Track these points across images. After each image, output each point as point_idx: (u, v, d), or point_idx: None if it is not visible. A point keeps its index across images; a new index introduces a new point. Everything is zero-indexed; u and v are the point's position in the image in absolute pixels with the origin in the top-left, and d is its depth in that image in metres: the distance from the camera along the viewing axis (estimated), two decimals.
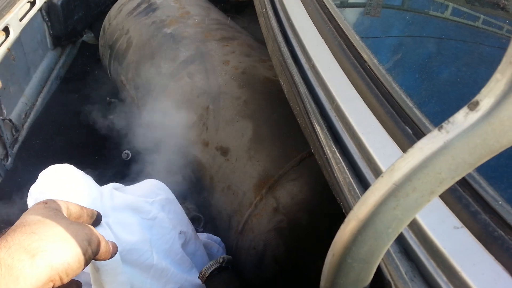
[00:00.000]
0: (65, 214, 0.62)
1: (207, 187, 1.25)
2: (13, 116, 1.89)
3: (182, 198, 1.30)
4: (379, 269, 0.49)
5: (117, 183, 0.88)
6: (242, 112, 1.25)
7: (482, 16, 0.93)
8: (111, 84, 2.07)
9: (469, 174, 0.52)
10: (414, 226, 0.51)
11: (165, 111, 1.47)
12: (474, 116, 0.33)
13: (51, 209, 0.60)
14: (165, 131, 1.46)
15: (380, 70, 0.75)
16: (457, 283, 0.45)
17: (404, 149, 0.62)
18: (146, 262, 0.79)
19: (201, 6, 1.89)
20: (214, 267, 0.94)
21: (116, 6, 2.06)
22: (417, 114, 0.64)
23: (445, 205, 0.52)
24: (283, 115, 1.18)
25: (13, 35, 1.86)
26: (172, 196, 0.99)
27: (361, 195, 0.60)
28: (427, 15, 1.07)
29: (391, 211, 0.39)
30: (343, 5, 1.19)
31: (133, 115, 1.82)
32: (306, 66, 0.90)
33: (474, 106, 0.33)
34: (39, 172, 0.79)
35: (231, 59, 1.45)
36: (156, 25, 1.73)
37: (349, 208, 0.61)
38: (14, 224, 0.57)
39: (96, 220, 0.71)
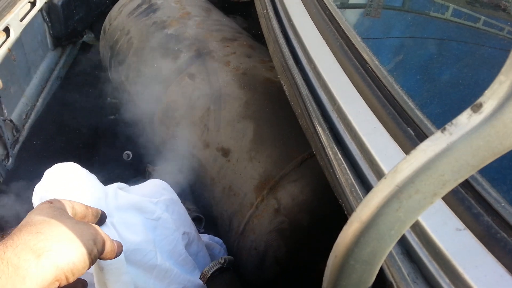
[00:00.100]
0: (70, 214, 0.62)
1: (208, 187, 1.25)
2: (14, 116, 1.89)
3: (182, 198, 1.30)
4: (381, 270, 0.49)
5: (121, 183, 0.88)
6: (243, 113, 1.25)
7: (483, 17, 0.93)
8: (111, 84, 2.07)
9: (472, 176, 0.52)
10: (417, 228, 0.51)
11: (166, 111, 1.47)
12: (478, 118, 0.33)
13: (56, 208, 0.60)
14: (166, 131, 1.46)
15: (381, 71, 0.75)
16: (460, 285, 0.45)
17: (406, 150, 0.62)
18: (149, 263, 0.79)
19: (201, 6, 1.89)
20: (215, 268, 0.94)
21: (116, 7, 2.06)
22: (419, 116, 0.64)
23: (448, 207, 0.52)
24: (284, 116, 1.18)
25: (13, 35, 1.86)
26: (175, 196, 0.99)
27: (363, 197, 0.60)
28: (427, 16, 1.07)
29: (394, 213, 0.39)
30: (344, 6, 1.19)
31: (134, 116, 1.82)
32: (307, 67, 0.90)
33: (477, 108, 0.33)
34: (40, 173, 0.79)
35: (232, 60, 1.45)
36: (156, 25, 1.73)
37: (351, 210, 0.61)
38: (20, 224, 0.57)
39: (101, 219, 0.71)
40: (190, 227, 0.99)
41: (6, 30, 1.82)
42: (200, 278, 0.93)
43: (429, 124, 0.62)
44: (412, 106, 0.66)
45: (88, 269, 0.59)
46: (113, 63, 1.89)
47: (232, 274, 0.97)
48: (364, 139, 0.66)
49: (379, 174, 0.61)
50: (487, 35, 0.91)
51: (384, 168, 0.60)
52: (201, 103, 1.36)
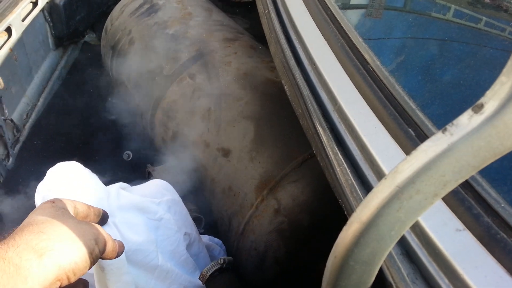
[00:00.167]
0: (72, 213, 0.62)
1: (208, 188, 1.25)
2: (15, 116, 1.90)
3: (182, 199, 1.30)
4: (381, 271, 0.49)
5: (123, 183, 0.88)
6: (243, 113, 1.25)
7: (485, 18, 0.93)
8: (112, 84, 2.08)
9: (472, 176, 0.52)
10: (416, 228, 0.51)
11: (167, 111, 1.47)
12: (479, 118, 0.32)
13: (58, 208, 0.61)
14: (166, 131, 1.46)
15: (382, 71, 0.75)
16: (459, 285, 0.45)
17: (406, 151, 0.62)
18: (151, 263, 0.79)
19: (203, 7, 1.89)
20: (215, 268, 0.94)
21: (118, 7, 2.06)
22: (420, 116, 0.64)
23: (448, 207, 0.52)
24: (285, 116, 1.18)
25: (15, 35, 1.86)
26: (177, 197, 0.99)
27: (363, 197, 0.60)
28: (429, 16, 1.07)
29: (394, 213, 0.39)
30: (345, 6, 1.19)
31: (135, 116, 1.82)
32: (308, 67, 0.90)
33: (478, 108, 0.33)
34: (41, 172, 0.79)
35: (233, 60, 1.45)
36: (158, 25, 1.73)
37: (351, 210, 0.61)
38: (22, 224, 0.57)
39: (103, 219, 0.71)
40: (192, 228, 0.99)
41: (8, 30, 1.82)
42: (199, 278, 0.93)
43: (430, 125, 0.62)
44: (413, 106, 0.66)
45: (90, 268, 0.59)
46: (115, 63, 1.90)
47: (232, 275, 0.97)
48: (365, 139, 0.66)
49: (380, 175, 0.61)
50: (489, 35, 0.91)
51: (385, 168, 0.60)
52: (201, 103, 1.36)
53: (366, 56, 0.80)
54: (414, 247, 0.51)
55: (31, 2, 2.01)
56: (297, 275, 1.06)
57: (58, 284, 0.54)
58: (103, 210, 0.71)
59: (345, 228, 0.43)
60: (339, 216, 0.66)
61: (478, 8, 1.02)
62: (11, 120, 1.82)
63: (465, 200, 0.51)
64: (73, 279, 0.56)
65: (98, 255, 0.60)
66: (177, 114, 1.42)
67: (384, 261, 0.48)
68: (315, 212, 1.02)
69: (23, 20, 1.93)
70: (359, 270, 0.45)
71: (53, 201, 0.62)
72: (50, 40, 2.30)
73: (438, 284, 0.47)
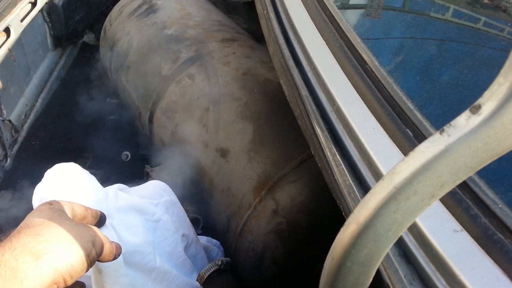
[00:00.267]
0: (69, 215, 0.62)
1: (207, 188, 1.25)
2: (13, 116, 1.89)
3: (181, 199, 1.30)
4: (378, 272, 0.49)
5: (121, 184, 0.88)
6: (242, 114, 1.24)
7: (483, 18, 0.93)
8: (111, 85, 2.07)
9: (469, 177, 0.52)
10: (414, 229, 0.51)
11: (165, 112, 1.47)
12: (476, 119, 0.32)
13: (56, 210, 0.60)
14: (165, 132, 1.46)
15: (381, 72, 0.75)
16: (456, 286, 0.45)
17: (404, 151, 0.62)
18: (148, 265, 0.79)
19: (202, 7, 1.89)
20: (212, 270, 0.93)
21: (117, 7, 2.06)
22: (418, 117, 0.64)
23: (445, 208, 0.52)
24: (283, 116, 1.18)
25: (14, 35, 1.86)
26: (175, 198, 0.99)
27: (361, 198, 0.60)
28: (428, 16, 1.07)
29: (392, 214, 0.39)
30: (344, 6, 1.19)
31: (133, 116, 1.82)
32: (307, 68, 0.90)
33: (476, 109, 0.33)
34: (39, 173, 0.78)
35: (232, 60, 1.45)
36: (157, 26, 1.73)
37: (349, 211, 0.60)
38: (19, 226, 0.57)
39: (101, 221, 0.71)
40: (189, 229, 0.99)
41: (7, 31, 1.82)
42: (197, 280, 0.93)
43: (428, 125, 0.62)
44: (411, 107, 0.66)
45: (87, 271, 0.58)
46: (113, 64, 1.89)
47: (230, 276, 0.97)
48: (363, 140, 0.66)
49: (377, 175, 0.61)
50: (487, 35, 0.91)
51: (383, 169, 0.60)
52: (200, 103, 1.35)
53: (364, 56, 0.80)
54: (411, 248, 0.50)
55: (29, 2, 2.01)
56: (295, 275, 1.06)
57: (55, 287, 0.54)
58: (100, 212, 0.71)
59: (342, 229, 0.43)
60: (337, 216, 0.66)
61: (477, 8, 1.02)
62: (9, 121, 1.82)
63: (463, 201, 0.51)
64: (70, 282, 0.55)
65: (95, 257, 0.60)
66: (175, 114, 1.42)
67: (382, 262, 0.47)
68: (313, 212, 1.01)
69: (21, 20, 1.93)
70: (357, 271, 0.44)
71: (50, 203, 0.62)
72: (49, 41, 2.30)
73: (435, 285, 0.47)
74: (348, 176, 0.65)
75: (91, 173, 0.83)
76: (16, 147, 1.88)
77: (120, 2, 2.08)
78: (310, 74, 0.88)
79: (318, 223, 1.01)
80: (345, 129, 0.72)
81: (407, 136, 0.63)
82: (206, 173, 1.25)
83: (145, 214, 0.85)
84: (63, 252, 0.55)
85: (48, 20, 2.23)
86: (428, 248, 0.48)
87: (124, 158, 1.85)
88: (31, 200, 0.77)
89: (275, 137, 1.16)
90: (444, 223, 0.50)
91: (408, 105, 0.66)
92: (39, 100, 2.15)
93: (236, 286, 0.97)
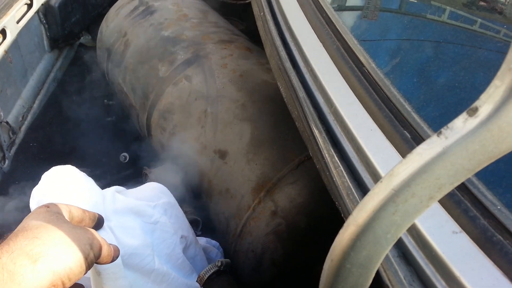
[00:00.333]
0: (67, 218, 0.62)
1: (205, 190, 1.25)
2: (10, 118, 1.89)
3: (179, 201, 1.30)
4: (377, 273, 0.49)
5: (119, 187, 0.88)
6: (240, 115, 1.25)
7: (480, 20, 0.94)
8: (108, 86, 2.07)
9: (468, 179, 0.52)
10: (413, 231, 0.51)
11: (163, 113, 1.47)
12: (473, 122, 0.33)
13: (53, 213, 0.60)
14: (163, 133, 1.46)
15: (378, 74, 0.75)
16: (456, 287, 0.45)
17: (402, 153, 0.62)
18: (147, 267, 0.79)
19: (198, 9, 1.89)
20: (212, 271, 0.93)
21: (113, 9, 2.05)
22: (416, 118, 0.64)
23: (444, 210, 0.52)
24: (281, 118, 1.18)
25: (10, 37, 1.85)
26: (173, 200, 0.99)
27: (359, 200, 0.60)
28: (424, 18, 1.08)
29: (390, 216, 0.39)
30: (340, 8, 1.19)
31: (131, 118, 1.82)
32: (304, 69, 0.91)
33: (473, 112, 0.33)
34: (37, 175, 0.78)
35: (229, 62, 1.45)
36: (154, 27, 1.72)
37: (348, 212, 0.61)
38: (16, 229, 0.57)
39: (98, 223, 0.71)
40: (188, 231, 0.99)
41: (3, 32, 1.81)
42: (196, 281, 0.93)
43: (425, 127, 0.62)
44: (409, 109, 0.66)
45: (85, 273, 0.58)
46: (110, 65, 1.89)
47: (229, 277, 0.97)
48: (361, 141, 0.66)
49: (376, 177, 0.61)
50: (484, 37, 0.91)
51: (381, 170, 0.60)
52: (198, 105, 1.35)
53: (361, 58, 0.81)
54: (410, 249, 0.51)
55: (25, 4, 2.00)
56: (294, 277, 1.06)
57: None
58: (98, 214, 0.71)
59: (341, 231, 0.43)
60: (336, 217, 0.66)
61: (473, 10, 1.02)
62: (7, 122, 1.81)
63: (461, 203, 0.51)
64: (68, 285, 0.55)
65: (93, 260, 0.60)
66: (173, 116, 1.42)
67: (381, 263, 0.48)
68: (312, 213, 1.02)
69: (17, 22, 1.93)
70: (356, 273, 0.45)
71: (47, 206, 0.61)
72: (45, 42, 2.29)
73: (435, 287, 0.47)
74: (346, 177, 0.65)
75: (89, 175, 0.83)
76: (13, 149, 1.88)
77: (116, 3, 2.07)
78: (307, 76, 0.88)
79: (317, 224, 1.01)
80: (342, 130, 0.72)
81: (405, 137, 0.63)
82: (204, 175, 1.25)
83: (143, 216, 0.85)
84: (60, 254, 0.55)
85: (44, 21, 2.22)
86: (428, 250, 0.49)
87: (122, 159, 1.85)
88: (29, 202, 0.76)
89: (273, 138, 1.16)
90: (443, 225, 0.50)
91: (406, 107, 0.67)
92: (36, 102, 2.14)
93: (236, 287, 0.97)
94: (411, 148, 0.60)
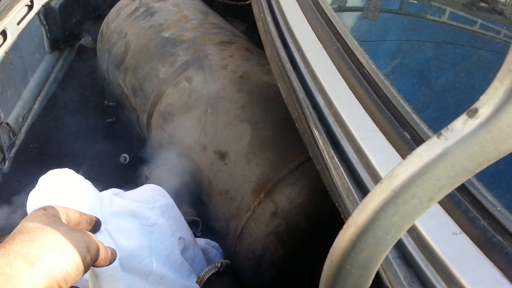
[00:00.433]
0: (64, 221, 0.62)
1: (205, 191, 1.25)
2: (11, 119, 1.89)
3: (180, 202, 1.30)
4: (377, 275, 0.49)
5: (116, 189, 0.88)
6: (240, 116, 1.25)
7: (480, 21, 0.94)
8: (108, 87, 2.07)
9: (468, 180, 0.52)
10: (413, 232, 0.51)
11: (163, 114, 1.47)
12: (473, 123, 0.33)
13: (50, 215, 0.60)
14: (163, 134, 1.46)
15: (378, 75, 0.75)
16: None
17: (402, 154, 0.62)
18: (145, 269, 0.79)
19: (199, 10, 1.89)
20: (212, 272, 0.93)
21: (114, 10, 2.06)
22: (416, 119, 0.64)
23: (444, 211, 0.52)
24: (281, 119, 1.18)
25: (10, 38, 1.85)
26: (171, 201, 0.99)
27: (359, 201, 0.60)
28: (424, 19, 1.08)
29: (390, 217, 0.39)
30: (340, 9, 1.19)
31: (131, 119, 1.82)
32: (304, 71, 0.91)
33: (473, 113, 0.33)
34: (37, 176, 0.78)
35: (229, 63, 1.45)
36: (154, 29, 1.73)
37: (348, 213, 0.61)
38: (13, 231, 0.57)
39: (95, 226, 0.70)
40: (186, 232, 0.98)
41: (3, 34, 1.82)
42: (196, 282, 0.93)
43: (425, 128, 0.62)
44: (409, 110, 0.66)
45: (82, 276, 0.58)
46: (111, 66, 1.89)
47: (229, 278, 0.97)
48: (361, 142, 0.66)
49: (376, 178, 0.61)
50: (484, 38, 0.91)
51: (381, 171, 0.60)
52: (198, 106, 1.36)
53: (361, 59, 0.81)
54: (410, 250, 0.51)
55: (26, 5, 2.01)
56: (295, 278, 1.06)
57: None
58: (95, 217, 0.71)
59: (341, 232, 0.43)
60: (336, 218, 0.66)
61: (473, 10, 1.02)
62: (7, 124, 1.81)
63: (461, 204, 0.51)
64: None
65: (90, 263, 0.59)
66: (173, 117, 1.42)
67: (381, 265, 0.48)
68: (312, 214, 1.02)
69: (18, 23, 1.93)
70: (356, 274, 0.45)
71: (44, 209, 0.61)
72: (46, 43, 2.30)
73: None
74: (346, 178, 0.65)
75: (89, 176, 0.83)
76: (14, 150, 1.88)
77: (117, 4, 2.08)
78: (307, 77, 0.88)
79: (317, 225, 1.01)
80: (343, 131, 0.72)
81: (405, 138, 0.63)
82: (204, 176, 1.25)
83: (140, 219, 0.85)
84: (57, 257, 0.54)
85: (45, 23, 2.23)
86: (428, 251, 0.49)
87: (123, 160, 1.85)
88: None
89: (273, 139, 1.16)
90: (443, 226, 0.50)
91: (406, 108, 0.67)
92: (37, 103, 2.14)
93: None
94: (411, 149, 0.60)
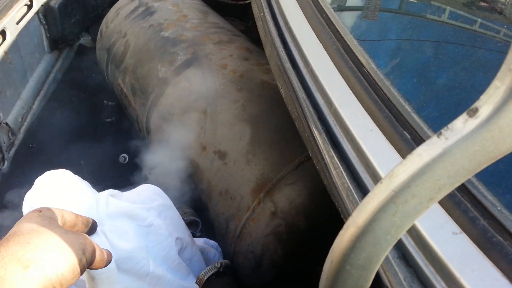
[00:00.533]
0: (59, 223, 0.61)
1: (205, 191, 1.25)
2: (10, 119, 1.89)
3: (179, 202, 1.30)
4: (377, 275, 0.49)
5: (113, 190, 0.87)
6: (240, 116, 1.24)
7: (480, 20, 0.94)
8: (108, 87, 2.07)
9: (468, 180, 0.52)
10: (413, 232, 0.51)
11: (162, 114, 1.47)
12: (473, 123, 0.32)
13: (45, 217, 0.59)
14: (162, 134, 1.46)
15: (378, 74, 0.75)
16: None
17: (402, 154, 0.62)
18: (142, 270, 0.78)
19: (198, 9, 1.89)
20: (211, 272, 0.93)
21: (113, 9, 2.05)
22: (415, 119, 0.64)
23: (444, 211, 0.52)
24: (281, 119, 1.18)
25: (10, 38, 1.85)
26: (169, 201, 0.98)
27: (359, 201, 0.60)
28: (424, 18, 1.07)
29: (390, 217, 0.39)
30: (340, 8, 1.19)
31: (131, 119, 1.82)
32: (304, 70, 0.90)
33: (473, 113, 0.33)
34: (36, 176, 0.78)
35: (229, 63, 1.45)
36: (153, 28, 1.72)
37: (348, 213, 0.61)
38: (8, 233, 0.56)
39: (92, 228, 0.70)
40: (184, 232, 0.98)
41: (2, 33, 1.81)
42: (196, 282, 0.93)
43: (425, 128, 0.62)
44: (409, 109, 0.66)
45: (77, 279, 0.58)
46: (110, 66, 1.89)
47: (229, 278, 0.97)
48: (361, 142, 0.66)
49: (376, 178, 0.61)
50: (484, 37, 0.91)
51: (380, 171, 0.60)
52: (197, 105, 1.35)
53: (361, 58, 0.80)
54: (410, 250, 0.50)
55: (25, 4, 2.00)
56: (294, 278, 1.06)
57: None
58: (91, 219, 0.70)
59: (341, 232, 0.43)
60: (335, 218, 0.66)
61: (473, 10, 1.02)
62: (6, 124, 1.81)
63: (461, 203, 0.51)
64: None
65: (85, 265, 0.59)
66: (173, 116, 1.42)
67: (381, 265, 0.47)
68: (312, 214, 1.01)
69: (17, 23, 1.92)
70: (356, 274, 0.44)
71: (40, 210, 0.61)
72: (45, 43, 2.29)
73: None
74: (346, 178, 0.65)
75: (88, 176, 0.83)
76: (13, 150, 1.88)
77: (116, 4, 2.07)
78: (307, 77, 0.88)
79: (317, 225, 1.01)
80: (342, 131, 0.72)
81: (405, 138, 0.63)
82: (204, 176, 1.25)
83: (136, 220, 0.84)
84: (52, 260, 0.54)
85: (44, 22, 2.22)
86: (428, 251, 0.49)
87: (122, 160, 1.85)
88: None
89: (272, 139, 1.16)
90: (443, 226, 0.50)
91: (405, 107, 0.66)
92: (36, 103, 2.14)
93: None
94: (411, 148, 0.60)
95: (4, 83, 1.83)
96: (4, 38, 1.83)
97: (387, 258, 0.51)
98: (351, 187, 0.63)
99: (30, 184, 0.77)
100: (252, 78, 1.37)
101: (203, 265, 1.02)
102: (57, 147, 1.95)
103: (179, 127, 1.38)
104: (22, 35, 1.97)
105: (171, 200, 1.00)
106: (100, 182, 1.60)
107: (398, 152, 0.63)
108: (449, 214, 0.52)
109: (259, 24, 1.23)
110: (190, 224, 1.22)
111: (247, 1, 2.41)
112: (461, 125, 0.33)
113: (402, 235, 0.42)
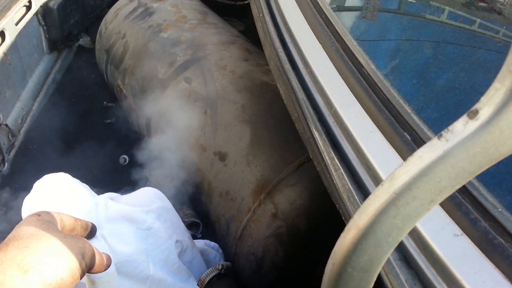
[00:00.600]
0: (58, 227, 0.61)
1: (205, 192, 1.25)
2: (9, 121, 1.89)
3: (180, 203, 1.29)
4: (379, 277, 0.49)
5: (113, 193, 0.87)
6: (240, 117, 1.24)
7: (479, 20, 0.94)
8: (107, 88, 2.07)
9: (469, 181, 0.52)
10: (414, 234, 0.51)
11: (162, 116, 1.47)
12: (474, 125, 0.32)
13: (44, 221, 0.59)
14: (162, 136, 1.45)
15: (378, 75, 0.75)
16: None
17: (402, 155, 0.62)
18: (142, 273, 0.78)
19: (197, 10, 1.89)
20: (213, 274, 0.93)
21: (112, 10, 2.05)
22: (416, 120, 0.64)
23: (445, 213, 0.52)
24: (281, 120, 1.18)
25: (8, 39, 1.85)
26: (168, 204, 0.98)
27: (360, 202, 0.60)
28: (423, 18, 1.07)
29: (391, 220, 0.39)
30: (339, 8, 1.19)
31: (130, 120, 1.82)
32: (303, 71, 0.90)
33: (473, 114, 0.33)
34: (36, 178, 0.78)
35: (228, 63, 1.45)
36: (152, 29, 1.72)
37: (348, 215, 0.61)
38: (7, 238, 0.56)
39: (91, 232, 0.70)
40: (183, 235, 0.97)
41: (1, 34, 1.81)
42: (197, 284, 0.92)
43: (425, 129, 0.62)
44: (409, 110, 0.66)
45: (77, 283, 0.58)
46: (109, 67, 1.89)
47: (230, 280, 0.97)
48: (361, 143, 0.66)
49: (376, 179, 0.61)
50: (483, 37, 0.91)
51: (381, 173, 0.60)
52: (197, 106, 1.35)
53: (360, 59, 0.80)
54: (412, 252, 0.50)
55: (24, 6, 2.00)
56: (295, 279, 1.06)
57: None
58: (91, 223, 0.70)
59: (342, 234, 0.43)
60: (336, 220, 0.66)
61: (472, 10, 1.02)
62: (6, 125, 1.81)
63: (462, 205, 0.51)
64: None
65: (85, 269, 0.59)
66: (173, 117, 1.42)
67: (383, 267, 0.47)
68: (312, 216, 1.01)
69: (16, 24, 1.92)
70: (357, 276, 0.44)
71: (39, 214, 0.60)
72: (44, 44, 2.29)
73: None
74: (347, 180, 0.65)
75: (88, 177, 0.82)
76: (13, 151, 1.88)
77: (115, 5, 2.07)
78: (306, 78, 0.88)
79: (318, 226, 1.01)
80: (342, 132, 0.72)
81: (405, 139, 0.63)
82: (204, 177, 1.25)
83: (136, 223, 0.84)
84: (52, 264, 0.54)
85: (43, 23, 2.22)
86: (429, 253, 0.49)
87: (122, 162, 1.84)
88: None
89: (273, 140, 1.16)
90: (444, 227, 0.50)
91: (405, 109, 0.66)
92: (36, 104, 2.14)
93: None
94: (411, 150, 0.60)
95: (3, 85, 1.83)
96: (3, 39, 1.82)
97: (388, 260, 0.51)
98: (351, 189, 0.63)
99: (30, 185, 0.77)
100: (252, 79, 1.37)
101: (203, 268, 1.02)
102: (57, 148, 1.95)
103: (179, 128, 1.38)
104: (21, 36, 1.97)
105: (171, 202, 1.00)
106: (100, 183, 1.60)
107: (398, 153, 0.63)
108: (450, 216, 0.51)
109: (258, 24, 1.23)
110: (191, 226, 1.22)
111: (246, 2, 2.41)
112: (462, 127, 0.33)
113: (404, 237, 0.42)
